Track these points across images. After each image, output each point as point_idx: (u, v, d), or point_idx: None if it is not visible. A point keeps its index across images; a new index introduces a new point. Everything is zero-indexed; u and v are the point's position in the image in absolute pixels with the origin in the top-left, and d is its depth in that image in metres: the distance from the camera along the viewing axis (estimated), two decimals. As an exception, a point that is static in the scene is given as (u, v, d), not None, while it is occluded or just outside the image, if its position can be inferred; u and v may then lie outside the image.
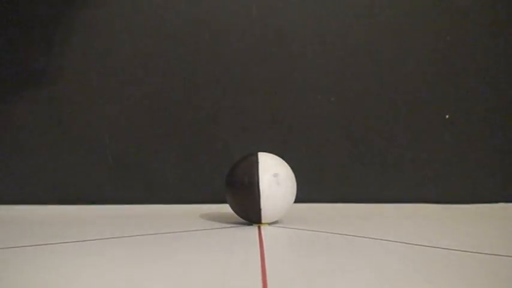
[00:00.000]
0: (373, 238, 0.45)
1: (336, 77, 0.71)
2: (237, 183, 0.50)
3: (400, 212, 0.63)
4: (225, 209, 0.56)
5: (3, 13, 0.70)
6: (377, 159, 0.71)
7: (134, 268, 0.35)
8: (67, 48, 0.71)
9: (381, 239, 0.44)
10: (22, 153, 0.71)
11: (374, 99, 0.71)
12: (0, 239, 0.45)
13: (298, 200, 0.52)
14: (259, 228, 0.50)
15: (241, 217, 0.52)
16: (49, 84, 0.71)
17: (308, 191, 0.67)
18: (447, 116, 0.70)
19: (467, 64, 0.70)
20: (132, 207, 0.68)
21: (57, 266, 0.36)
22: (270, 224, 0.52)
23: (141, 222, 0.56)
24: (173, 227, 0.51)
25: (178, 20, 0.71)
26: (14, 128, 0.71)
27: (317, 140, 0.71)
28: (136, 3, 0.71)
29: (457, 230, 0.50)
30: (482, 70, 0.70)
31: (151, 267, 0.34)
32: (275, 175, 0.49)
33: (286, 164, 0.52)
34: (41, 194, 0.71)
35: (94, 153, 0.71)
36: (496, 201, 0.69)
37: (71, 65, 0.71)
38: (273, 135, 0.71)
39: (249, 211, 0.50)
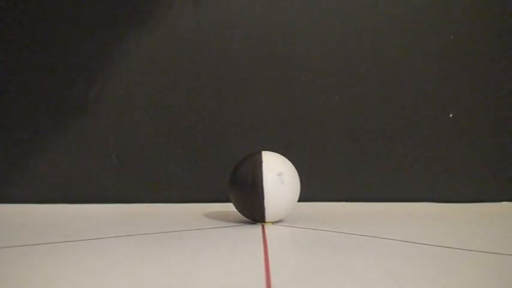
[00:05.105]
0: (377, 237, 0.45)
1: (340, 76, 0.71)
2: (241, 182, 0.50)
3: (404, 210, 0.63)
4: (229, 207, 0.56)
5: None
6: (381, 158, 0.71)
7: (138, 266, 0.35)
8: (69, 48, 0.71)
9: (385, 238, 0.44)
10: (26, 153, 0.71)
11: (378, 98, 0.71)
12: (5, 238, 0.46)
13: (302, 198, 0.52)
14: (263, 227, 0.50)
15: (245, 216, 0.52)
16: (52, 84, 0.71)
17: (312, 190, 0.67)
18: (451, 115, 0.70)
19: (471, 63, 0.70)
20: (136, 206, 0.68)
21: (60, 264, 0.36)
22: (273, 222, 0.52)
23: (145, 221, 0.56)
24: (177, 226, 0.51)
25: (182, 19, 0.71)
26: (17, 128, 0.71)
27: (321, 139, 0.71)
28: (139, 3, 0.71)
29: (462, 229, 0.50)
30: (486, 69, 0.70)
31: (155, 266, 0.35)
32: (279, 174, 0.49)
33: (290, 162, 0.52)
34: (45, 193, 0.71)
35: (98, 153, 0.71)
36: (501, 200, 0.69)
37: (74, 64, 0.71)
38: (276, 134, 0.71)
39: (252, 210, 0.50)
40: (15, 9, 0.71)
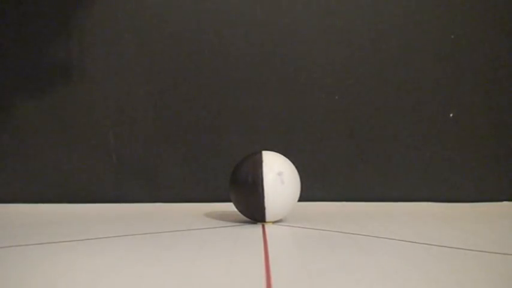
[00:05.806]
0: (377, 237, 0.45)
1: (340, 76, 0.71)
2: (241, 182, 0.50)
3: (404, 210, 0.63)
4: (229, 207, 0.56)
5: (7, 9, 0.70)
6: (381, 158, 0.71)
7: (138, 266, 0.35)
8: (70, 47, 0.71)
9: (386, 238, 0.44)
10: (26, 152, 0.71)
11: (378, 97, 0.71)
12: (4, 238, 0.46)
13: (302, 198, 0.52)
14: (263, 226, 0.50)
15: (245, 216, 0.52)
16: (53, 83, 0.71)
17: (312, 190, 0.67)
18: (451, 115, 0.70)
19: (471, 62, 0.70)
20: (135, 206, 0.68)
21: (60, 264, 0.36)
22: (274, 222, 0.52)
23: (144, 221, 0.56)
24: (177, 226, 0.51)
25: (183, 19, 0.71)
26: (17, 127, 0.71)
27: (321, 139, 0.71)
28: (140, 2, 0.71)
29: (462, 229, 0.50)
30: (487, 68, 0.70)
31: (154, 266, 0.35)
32: (279, 174, 0.49)
33: (290, 162, 0.52)
34: (45, 192, 0.71)
35: (98, 152, 0.71)
36: (501, 200, 0.69)
37: (75, 63, 0.71)
38: (277, 134, 0.71)
39: (253, 210, 0.50)
40: None
